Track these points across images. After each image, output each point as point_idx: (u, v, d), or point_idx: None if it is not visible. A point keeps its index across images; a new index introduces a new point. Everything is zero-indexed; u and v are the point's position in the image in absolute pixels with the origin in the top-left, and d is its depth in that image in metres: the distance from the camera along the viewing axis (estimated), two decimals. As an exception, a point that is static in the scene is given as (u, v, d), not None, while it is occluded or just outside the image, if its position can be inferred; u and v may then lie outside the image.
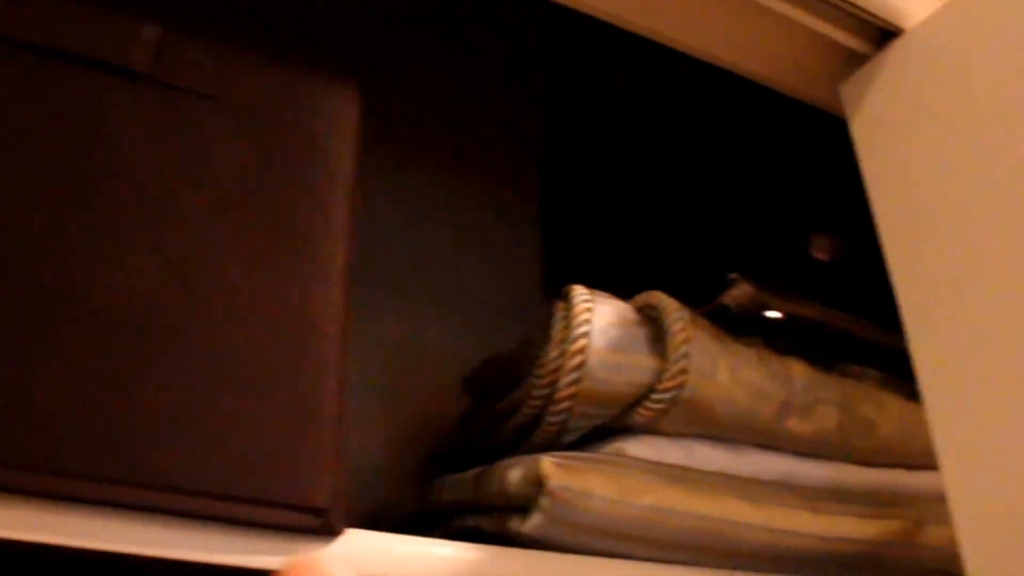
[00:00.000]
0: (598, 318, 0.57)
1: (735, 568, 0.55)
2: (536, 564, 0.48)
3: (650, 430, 0.57)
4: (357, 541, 0.45)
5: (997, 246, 0.50)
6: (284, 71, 0.53)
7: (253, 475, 0.41)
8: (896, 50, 0.60)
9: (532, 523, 0.50)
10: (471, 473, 0.58)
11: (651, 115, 0.89)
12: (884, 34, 0.61)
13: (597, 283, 0.62)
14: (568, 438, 0.58)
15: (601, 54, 0.95)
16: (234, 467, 0.41)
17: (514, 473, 0.52)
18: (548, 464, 0.50)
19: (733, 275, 0.65)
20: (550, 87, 1.04)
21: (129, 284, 0.43)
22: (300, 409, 0.43)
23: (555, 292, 0.62)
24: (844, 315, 0.66)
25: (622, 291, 0.63)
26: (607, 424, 0.59)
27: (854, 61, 0.63)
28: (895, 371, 0.67)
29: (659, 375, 0.56)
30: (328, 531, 0.44)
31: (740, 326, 0.63)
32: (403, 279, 0.93)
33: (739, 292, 0.64)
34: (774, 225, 0.73)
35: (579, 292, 0.58)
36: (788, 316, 0.64)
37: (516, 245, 0.98)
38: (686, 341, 0.56)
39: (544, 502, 0.49)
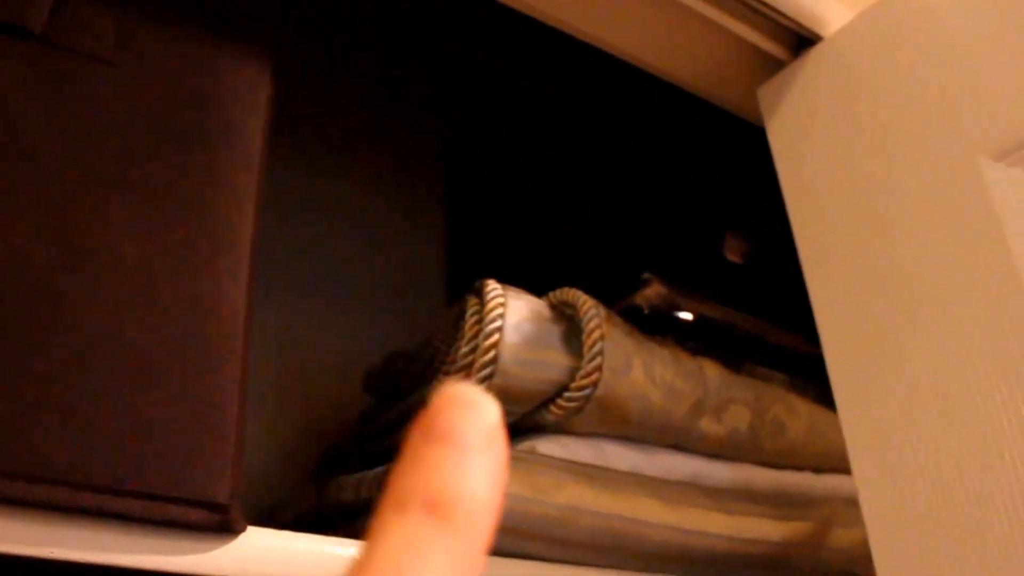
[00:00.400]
0: (511, 313, 0.55)
1: (646, 570, 0.55)
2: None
3: (561, 429, 0.56)
4: (258, 539, 0.42)
5: (909, 251, 0.51)
6: (194, 42, 0.50)
7: (146, 468, 0.38)
8: (813, 57, 0.61)
9: (441, 522, 0.48)
10: (374, 472, 0.56)
11: (563, 113, 0.88)
12: (802, 41, 0.62)
13: (504, 282, 0.60)
14: (477, 436, 0.57)
15: (513, 50, 0.94)
16: (126, 459, 0.38)
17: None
18: (460, 461, 0.48)
19: (646, 275, 0.65)
20: (459, 83, 1.02)
21: (10, 261, 0.39)
22: (200, 399, 0.41)
23: (459, 290, 0.60)
24: (753, 318, 0.66)
25: (530, 291, 0.61)
26: (517, 422, 0.57)
27: (772, 66, 0.63)
28: (801, 374, 0.68)
29: (573, 372, 0.55)
30: (228, 528, 0.41)
31: (651, 326, 0.63)
32: (303, 274, 0.91)
33: (651, 292, 0.64)
34: (688, 226, 0.73)
35: (492, 286, 0.57)
36: (698, 317, 0.64)
37: (420, 242, 0.96)
38: (601, 338, 0.55)
39: (455, 501, 0.47)
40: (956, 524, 0.46)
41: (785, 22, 0.61)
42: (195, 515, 0.39)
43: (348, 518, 0.58)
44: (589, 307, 0.56)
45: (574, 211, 0.83)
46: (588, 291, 0.59)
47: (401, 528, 0.16)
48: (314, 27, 0.93)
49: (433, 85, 1.02)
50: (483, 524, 0.17)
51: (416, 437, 0.17)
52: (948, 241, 0.50)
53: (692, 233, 0.72)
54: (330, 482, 0.61)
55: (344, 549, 0.44)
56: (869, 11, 0.58)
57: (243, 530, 0.41)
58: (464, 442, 0.17)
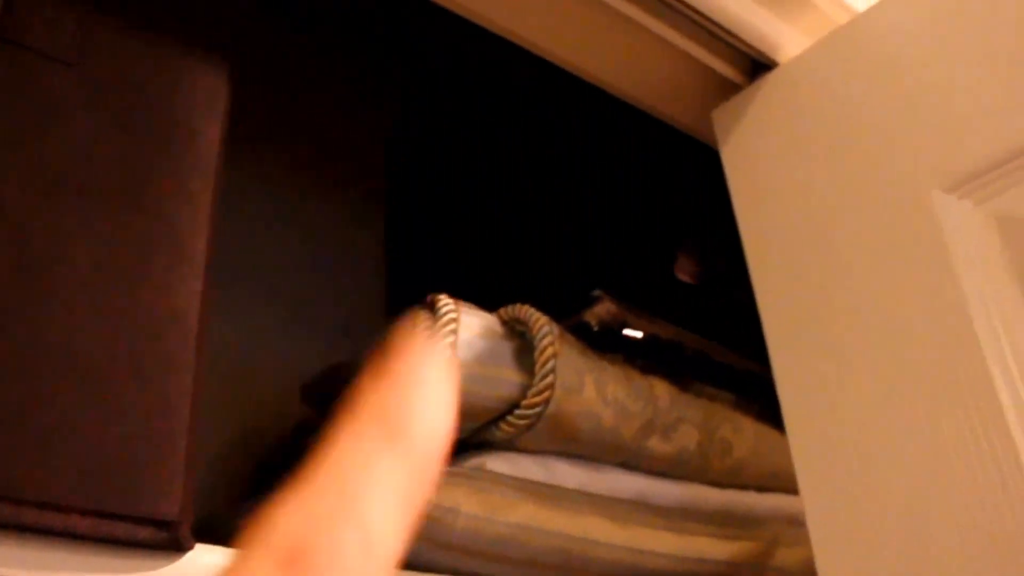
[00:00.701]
0: (464, 329, 0.55)
1: (594, 589, 0.54)
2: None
3: (511, 446, 0.56)
4: (206, 557, 0.41)
5: (861, 279, 0.52)
6: (156, 45, 0.49)
7: (94, 483, 0.37)
8: (768, 82, 0.61)
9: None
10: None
11: (516, 131, 0.88)
12: (758, 66, 0.62)
13: (448, 295, 0.59)
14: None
15: (464, 65, 0.93)
16: (71, 474, 0.36)
17: (374, 487, 0.49)
18: (414, 479, 0.47)
19: (596, 292, 0.65)
20: (406, 93, 1.01)
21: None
22: (152, 412, 0.39)
23: (399, 303, 0.59)
24: (700, 337, 0.67)
25: (486, 306, 0.61)
26: (466, 439, 0.57)
27: (728, 89, 0.64)
28: (746, 393, 0.69)
29: (524, 390, 0.55)
30: (177, 546, 0.39)
31: (601, 344, 0.63)
32: (241, 285, 0.89)
33: (601, 309, 0.64)
34: (641, 245, 0.73)
35: (444, 301, 0.56)
36: (648, 335, 0.64)
37: (360, 254, 0.95)
38: (554, 356, 0.55)
39: (407, 519, 0.46)
40: (902, 547, 0.46)
41: (741, 46, 0.61)
42: (144, 532, 0.38)
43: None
44: (542, 324, 0.56)
45: (522, 226, 0.83)
46: (537, 307, 0.59)
47: (356, 446, 0.17)
48: (257, 38, 0.92)
49: (380, 99, 1.01)
50: (432, 451, 0.18)
51: (375, 371, 0.18)
52: (899, 269, 0.51)
53: (645, 252, 0.73)
54: (267, 498, 0.60)
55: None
56: (825, 40, 0.59)
57: (192, 547, 0.40)
58: (419, 375, 0.18)
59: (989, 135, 0.50)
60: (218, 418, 0.83)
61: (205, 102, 0.48)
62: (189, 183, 0.46)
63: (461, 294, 0.59)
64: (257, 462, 0.76)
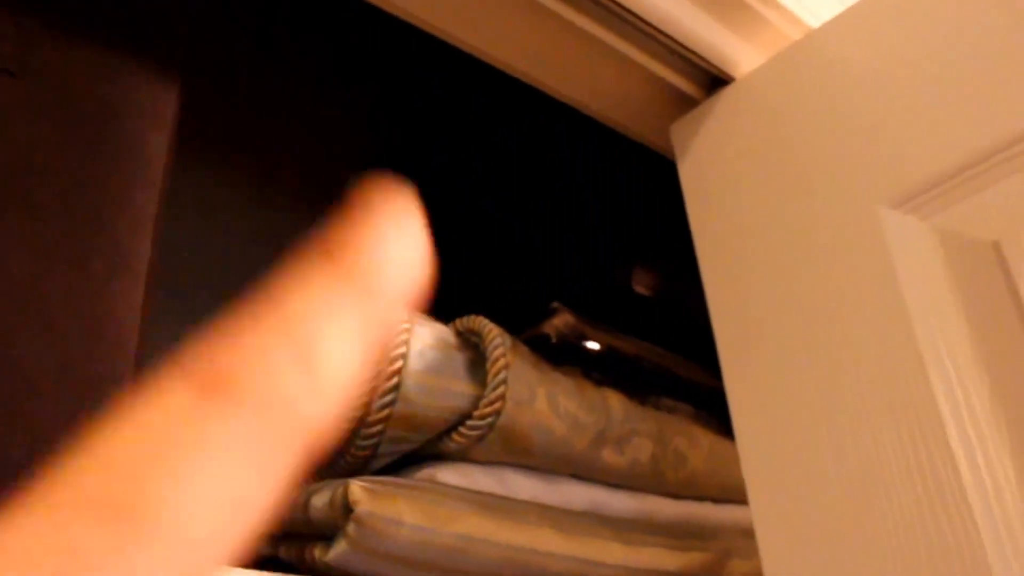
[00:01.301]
0: (416, 340, 0.55)
1: (541, 601, 0.55)
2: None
3: (463, 457, 0.56)
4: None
5: (810, 294, 0.52)
6: (99, 53, 0.49)
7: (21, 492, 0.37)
8: (724, 97, 0.62)
9: (336, 552, 0.47)
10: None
11: (477, 142, 0.88)
12: (715, 81, 0.63)
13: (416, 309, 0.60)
14: (377, 464, 0.56)
15: (430, 80, 0.94)
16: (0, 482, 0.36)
17: (319, 499, 0.49)
18: (358, 489, 0.47)
19: (554, 304, 0.65)
20: (374, 107, 1.02)
21: None
22: (83, 420, 0.39)
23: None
24: (660, 350, 0.67)
25: (441, 318, 0.61)
26: (418, 450, 0.57)
27: (685, 104, 0.64)
28: (707, 408, 0.69)
29: (476, 401, 0.55)
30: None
31: (559, 356, 0.63)
32: (212, 296, 0.89)
33: (560, 321, 0.64)
34: (600, 258, 0.74)
35: (400, 312, 0.56)
36: (606, 348, 0.65)
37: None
38: (505, 367, 0.55)
39: (351, 529, 0.47)
40: (846, 556, 0.47)
41: (699, 61, 0.62)
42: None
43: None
44: (494, 336, 0.56)
45: (486, 239, 0.83)
46: (497, 320, 0.59)
47: (321, 277, 0.17)
48: (229, 38, 0.92)
49: (351, 107, 1.02)
50: (394, 291, 0.17)
51: (341, 217, 0.18)
52: (845, 283, 0.51)
53: (604, 265, 0.73)
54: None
55: (228, 574, 0.43)
56: (778, 56, 0.59)
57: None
58: (383, 220, 0.18)
59: (934, 151, 0.50)
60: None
61: (151, 113, 0.49)
62: (132, 193, 0.46)
63: (430, 306, 0.59)
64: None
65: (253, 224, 0.92)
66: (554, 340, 0.63)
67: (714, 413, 0.68)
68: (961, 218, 0.50)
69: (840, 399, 0.49)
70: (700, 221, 0.60)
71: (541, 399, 0.56)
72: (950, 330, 0.48)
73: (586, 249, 0.74)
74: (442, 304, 0.61)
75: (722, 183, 0.60)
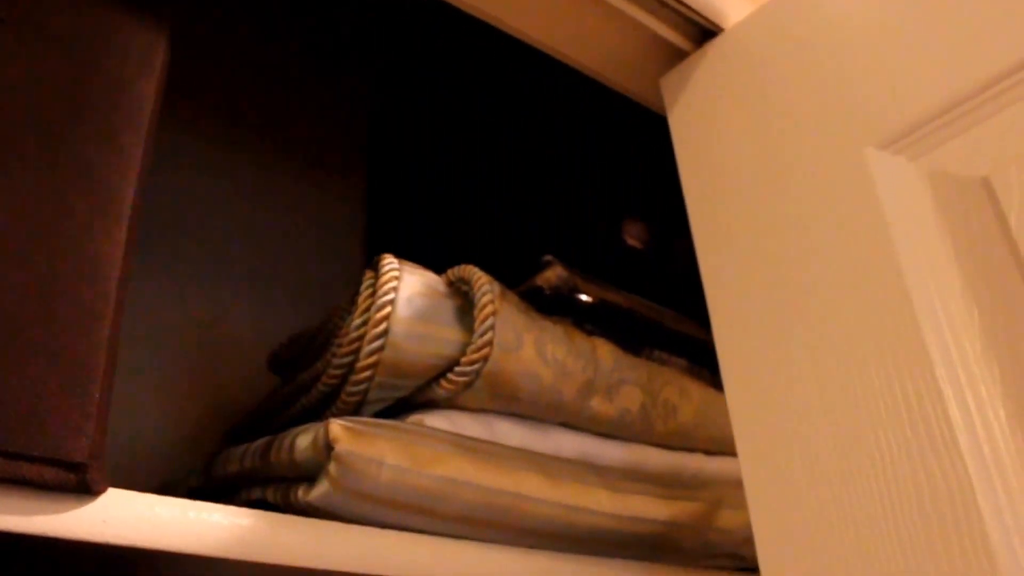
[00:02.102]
0: (405, 287, 0.55)
1: (530, 546, 0.54)
2: (314, 533, 0.46)
3: (452, 404, 0.56)
4: (118, 501, 0.41)
5: (798, 238, 0.52)
6: (87, 1, 0.49)
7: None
8: (714, 48, 0.62)
9: (318, 492, 0.47)
10: (259, 443, 0.55)
11: (465, 99, 0.88)
12: (704, 32, 0.63)
13: (422, 264, 0.60)
14: (368, 411, 0.56)
15: (430, 39, 0.94)
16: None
17: (303, 439, 0.50)
18: (337, 428, 0.47)
19: (547, 257, 0.65)
20: (380, 70, 1.02)
21: None
22: (66, 359, 0.40)
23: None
24: (652, 305, 0.67)
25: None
26: (408, 398, 0.57)
27: (675, 56, 0.64)
28: (699, 362, 0.69)
29: (464, 348, 0.55)
30: (86, 489, 0.40)
31: (552, 308, 0.63)
32: (218, 256, 0.89)
33: (552, 274, 0.64)
34: (591, 210, 0.73)
35: (388, 260, 0.57)
36: (599, 301, 0.64)
37: (338, 226, 0.95)
38: (493, 314, 0.55)
39: (332, 468, 0.47)
40: (831, 500, 0.47)
41: (688, 13, 0.61)
42: (50, 474, 0.38)
43: (235, 489, 0.57)
44: (483, 283, 0.56)
45: (492, 195, 0.83)
46: (498, 274, 0.59)
47: None
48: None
49: (357, 70, 1.02)
50: None
51: None
52: (833, 227, 0.51)
53: (594, 217, 0.73)
54: (218, 456, 0.60)
55: (211, 515, 0.43)
56: (767, 5, 0.59)
57: (103, 491, 0.40)
58: None
59: (920, 92, 0.50)
60: (190, 391, 0.84)
61: (138, 58, 0.49)
62: (118, 137, 0.46)
63: (437, 265, 0.60)
64: (225, 432, 0.76)
65: (242, 181, 0.92)
66: (547, 292, 0.63)
67: (707, 367, 0.68)
68: (949, 156, 0.49)
69: (828, 342, 0.49)
70: (690, 171, 0.60)
71: (528, 345, 0.56)
72: (939, 270, 0.48)
73: (577, 203, 0.74)
74: (434, 260, 0.61)
75: (712, 133, 0.59)
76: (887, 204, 0.50)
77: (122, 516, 0.41)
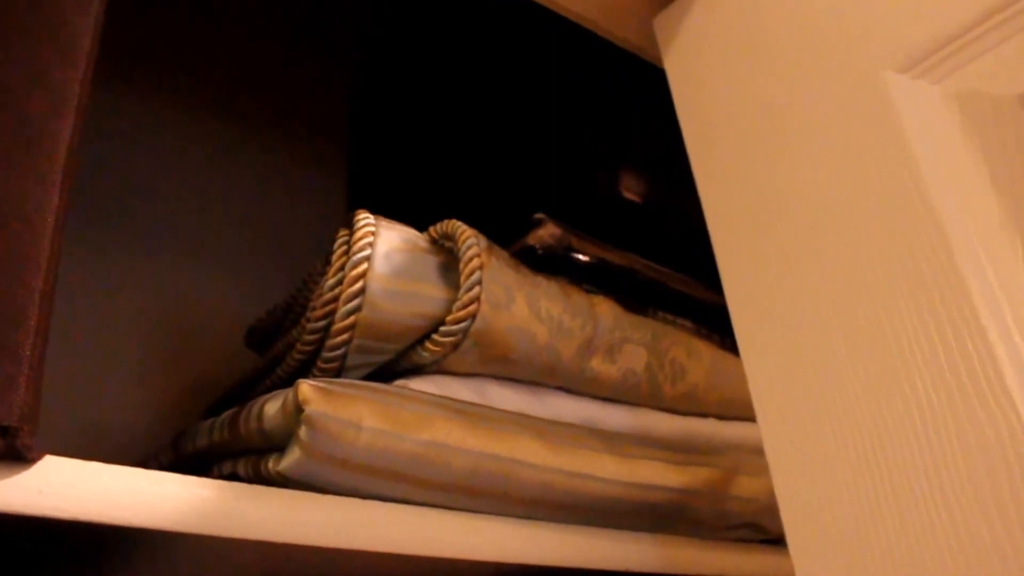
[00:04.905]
0: (382, 242, 0.50)
1: (526, 516, 0.49)
2: (283, 504, 0.41)
3: (440, 369, 0.51)
4: (58, 469, 0.36)
5: (813, 175, 0.47)
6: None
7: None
8: (711, -23, 0.57)
9: (289, 460, 0.42)
10: (227, 414, 0.50)
11: (461, 54, 0.83)
12: (701, -36, 0.58)
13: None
14: (348, 379, 0.51)
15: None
16: None
17: (271, 406, 0.45)
18: (308, 388, 0.42)
19: (538, 215, 0.60)
20: (361, 24, 0.98)
21: None
22: None
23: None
24: (654, 264, 0.62)
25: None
26: (392, 364, 0.52)
27: (669, -3, 0.60)
28: (707, 324, 0.64)
29: (450, 306, 0.50)
30: (17, 455, 0.35)
31: (546, 269, 0.58)
32: (195, 230, 0.85)
33: (545, 232, 0.59)
34: (584, 165, 0.68)
35: (362, 215, 0.52)
36: (596, 260, 0.59)
37: (319, 197, 0.91)
38: (479, 268, 0.50)
39: (302, 433, 0.42)
40: (863, 461, 0.42)
41: (682, -58, 0.57)
42: (-28, 437, 0.33)
43: (206, 465, 0.52)
44: (468, 237, 0.52)
45: (475, 154, 0.78)
46: (490, 236, 0.54)
47: None
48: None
49: (336, 31, 0.97)
50: None
51: None
52: (852, 161, 0.47)
53: (588, 172, 0.68)
54: (186, 431, 0.55)
55: (164, 485, 0.38)
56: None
57: (38, 459, 0.36)
58: None
59: (942, 10, 0.45)
60: (169, 368, 0.80)
61: (73, -7, 0.44)
62: (50, 71, 0.42)
63: (413, 223, 0.55)
64: (203, 412, 0.72)
65: (216, 152, 0.88)
66: (540, 252, 0.58)
67: (716, 330, 0.63)
68: (978, 76, 0.45)
69: (852, 288, 0.44)
70: (689, 115, 0.56)
71: (520, 302, 0.51)
72: (973, 197, 0.43)
73: (571, 156, 0.69)
74: (421, 218, 0.57)
75: (711, 71, 0.55)
76: (910, 130, 0.45)
77: (62, 486, 0.36)
